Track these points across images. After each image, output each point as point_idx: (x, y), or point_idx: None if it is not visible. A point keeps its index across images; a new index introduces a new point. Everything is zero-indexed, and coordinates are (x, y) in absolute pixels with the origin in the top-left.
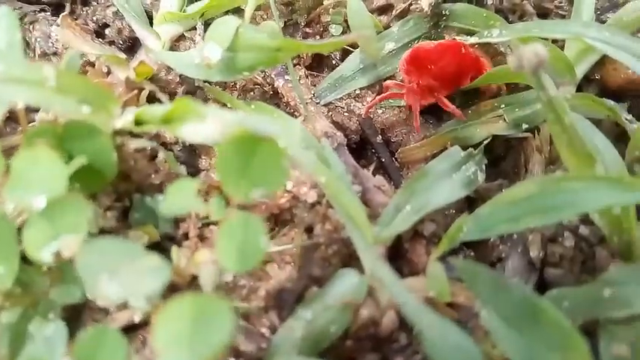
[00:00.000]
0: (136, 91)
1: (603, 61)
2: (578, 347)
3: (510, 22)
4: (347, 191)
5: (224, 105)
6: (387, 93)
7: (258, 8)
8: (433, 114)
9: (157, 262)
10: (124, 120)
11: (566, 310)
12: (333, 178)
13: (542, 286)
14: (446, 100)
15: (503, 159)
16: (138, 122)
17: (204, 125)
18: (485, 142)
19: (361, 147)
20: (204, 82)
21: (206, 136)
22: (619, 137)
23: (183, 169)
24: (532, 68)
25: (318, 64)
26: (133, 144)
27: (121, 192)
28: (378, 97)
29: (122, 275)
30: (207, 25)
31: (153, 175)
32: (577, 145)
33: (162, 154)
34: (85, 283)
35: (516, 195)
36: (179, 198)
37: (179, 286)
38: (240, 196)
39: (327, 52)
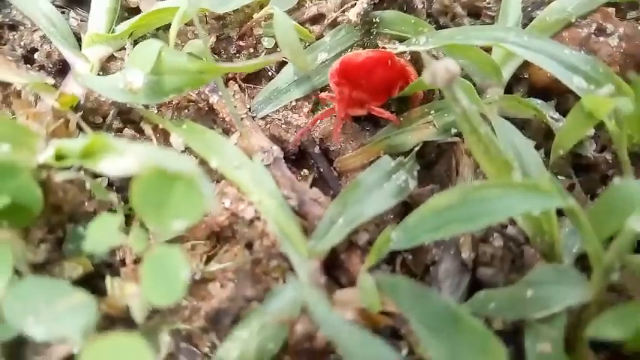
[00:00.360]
0: (62, 120)
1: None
2: (496, 351)
3: (441, 25)
4: (279, 208)
5: (156, 126)
6: (325, 110)
7: (190, 24)
8: (370, 121)
9: (83, 298)
10: (46, 155)
11: (493, 311)
12: (265, 195)
13: (475, 285)
14: (378, 109)
15: (435, 163)
16: (58, 157)
17: (122, 160)
18: (417, 148)
19: (301, 157)
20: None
21: (125, 170)
22: (547, 135)
23: (113, 196)
24: (444, 83)
25: (255, 75)
26: (59, 177)
27: (53, 224)
28: (314, 118)
29: (47, 315)
30: (137, 43)
31: (86, 204)
32: (493, 153)
33: (89, 185)
34: (12, 325)
35: (439, 204)
36: (101, 235)
37: (114, 317)
38: (160, 229)
39: (253, 71)
